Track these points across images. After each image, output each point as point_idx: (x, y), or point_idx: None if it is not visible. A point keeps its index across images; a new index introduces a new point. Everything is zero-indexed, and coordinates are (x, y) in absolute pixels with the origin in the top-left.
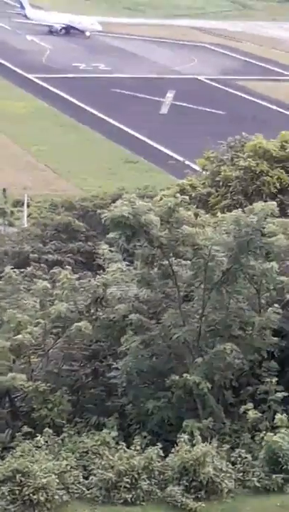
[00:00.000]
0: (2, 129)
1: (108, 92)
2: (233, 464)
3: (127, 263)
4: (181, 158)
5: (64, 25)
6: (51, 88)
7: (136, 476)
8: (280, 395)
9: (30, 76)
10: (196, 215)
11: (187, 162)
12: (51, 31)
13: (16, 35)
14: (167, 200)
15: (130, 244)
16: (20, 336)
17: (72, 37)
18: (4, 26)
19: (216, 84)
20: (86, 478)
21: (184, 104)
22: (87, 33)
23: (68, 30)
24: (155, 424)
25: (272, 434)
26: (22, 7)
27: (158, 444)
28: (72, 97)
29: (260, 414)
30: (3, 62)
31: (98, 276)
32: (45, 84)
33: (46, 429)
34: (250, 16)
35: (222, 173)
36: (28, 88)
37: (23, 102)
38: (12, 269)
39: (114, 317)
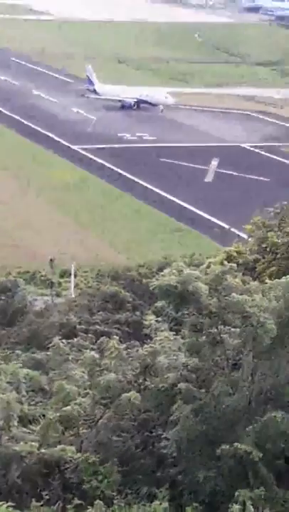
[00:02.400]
0: (48, 198)
1: (153, 161)
2: None
3: (174, 332)
4: (226, 226)
5: (136, 100)
6: (95, 158)
7: None
8: None
9: (74, 147)
10: (244, 282)
11: (232, 229)
12: (123, 106)
13: (63, 108)
14: (215, 267)
15: (178, 313)
16: (69, 408)
17: (142, 111)
18: (53, 100)
19: (260, 151)
20: None
21: (229, 172)
22: (160, 107)
23: (139, 105)
24: (207, 494)
25: None
26: (90, 82)
27: None
28: (116, 166)
29: None
30: (49, 134)
31: (146, 345)
32: (89, 155)
33: (97, 501)
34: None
35: (269, 240)
36: (73, 158)
37: (68, 172)
38: (60, 339)
39: (163, 386)
